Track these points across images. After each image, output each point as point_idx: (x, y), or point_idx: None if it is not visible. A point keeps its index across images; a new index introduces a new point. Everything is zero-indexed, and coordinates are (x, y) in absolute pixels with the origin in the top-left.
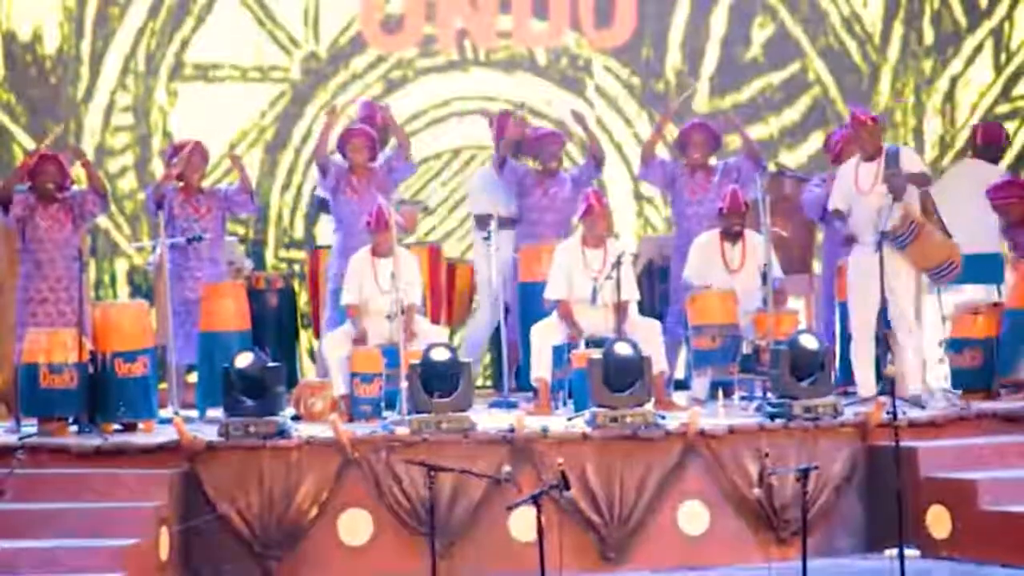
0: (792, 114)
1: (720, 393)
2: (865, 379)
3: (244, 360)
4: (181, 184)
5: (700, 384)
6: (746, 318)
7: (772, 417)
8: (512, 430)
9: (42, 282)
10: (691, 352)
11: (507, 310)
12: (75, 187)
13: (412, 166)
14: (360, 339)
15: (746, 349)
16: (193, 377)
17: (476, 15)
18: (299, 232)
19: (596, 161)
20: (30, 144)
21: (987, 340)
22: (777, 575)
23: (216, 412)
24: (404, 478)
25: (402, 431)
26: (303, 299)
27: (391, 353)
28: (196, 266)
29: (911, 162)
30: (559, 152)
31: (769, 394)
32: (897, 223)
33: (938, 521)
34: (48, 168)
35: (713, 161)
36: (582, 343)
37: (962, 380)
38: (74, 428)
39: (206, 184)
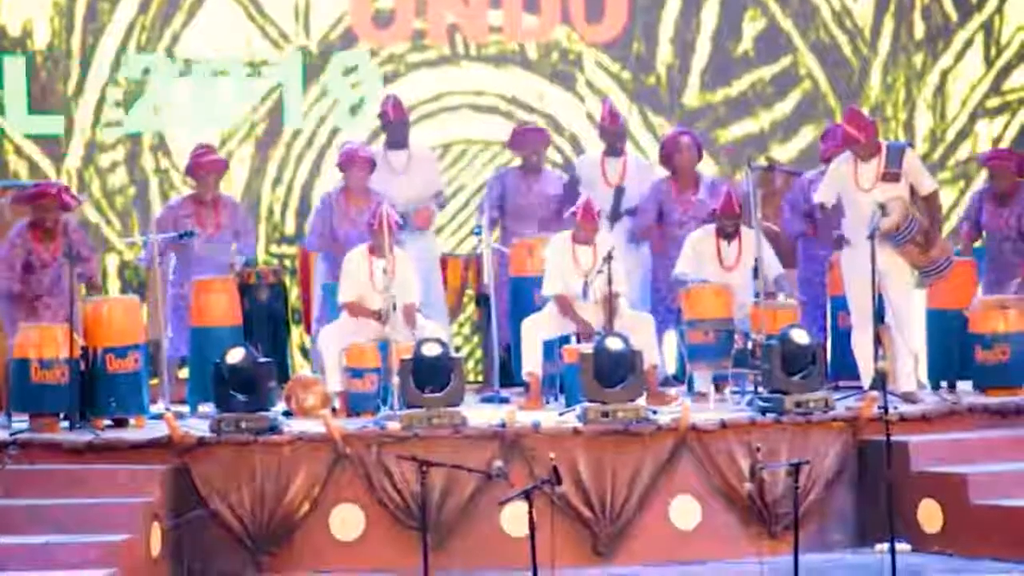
0: (783, 108)
1: (712, 387)
2: (868, 369)
3: (235, 356)
4: (194, 191)
5: (703, 378)
6: (742, 312)
7: (763, 412)
8: (503, 425)
9: (38, 285)
10: (686, 346)
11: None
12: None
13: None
14: (382, 319)
15: (743, 343)
16: (184, 373)
17: (467, 10)
18: (290, 228)
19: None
20: (21, 140)
21: (1017, 335)
22: (768, 569)
23: (207, 407)
24: (396, 473)
25: (393, 426)
26: (294, 294)
27: (384, 349)
28: (199, 269)
29: (913, 166)
30: (543, 149)
31: (760, 388)
32: (899, 220)
33: (929, 515)
34: (47, 204)
35: (700, 166)
36: (573, 338)
37: (989, 376)
38: (65, 424)
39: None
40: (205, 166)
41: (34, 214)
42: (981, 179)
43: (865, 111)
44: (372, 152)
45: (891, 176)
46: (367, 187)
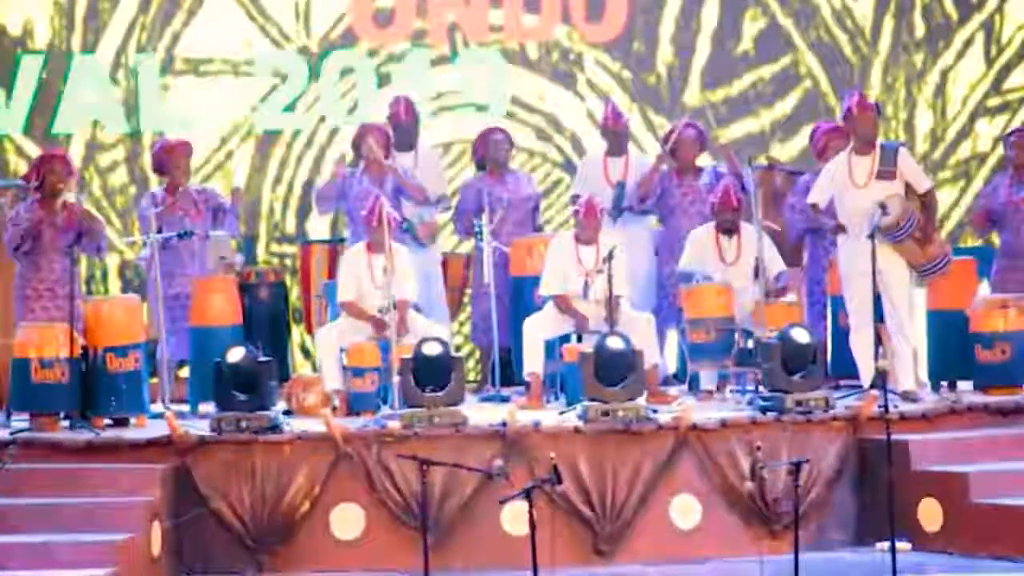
0: (783, 107)
1: (715, 385)
2: (867, 368)
3: (236, 355)
4: (167, 183)
5: (707, 376)
6: (743, 310)
7: (764, 411)
8: (504, 424)
9: (39, 284)
10: (687, 345)
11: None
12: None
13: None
14: (379, 326)
15: (744, 343)
16: (185, 372)
17: (467, 9)
18: (290, 227)
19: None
20: (21, 139)
21: (1017, 334)
22: (769, 568)
23: (208, 407)
24: (396, 472)
25: (394, 425)
26: (294, 294)
27: (384, 348)
28: (188, 262)
29: (907, 166)
30: (509, 147)
31: (761, 387)
32: (898, 216)
33: (929, 514)
34: (56, 167)
35: (702, 162)
36: (574, 337)
37: (990, 375)
38: (66, 423)
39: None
40: (176, 148)
41: (44, 179)
42: (981, 178)
43: None
44: (384, 126)
45: (886, 174)
46: (381, 159)
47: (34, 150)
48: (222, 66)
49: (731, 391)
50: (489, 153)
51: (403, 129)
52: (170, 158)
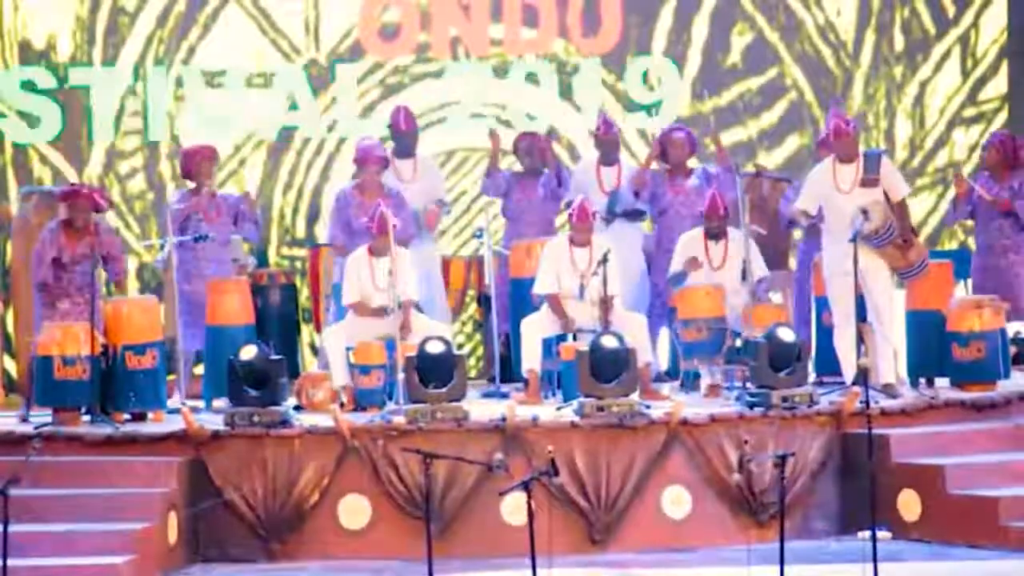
0: (770, 117)
1: (719, 378)
2: (849, 365)
3: (248, 353)
4: (192, 188)
5: (709, 372)
6: (732, 311)
7: (751, 406)
8: (504, 419)
9: (69, 284)
10: (680, 344)
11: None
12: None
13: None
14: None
15: (733, 341)
16: (200, 369)
17: (469, 23)
18: (300, 231)
19: (559, 180)
20: (46, 149)
21: (991, 333)
22: (756, 556)
23: (221, 402)
24: (401, 465)
25: (399, 420)
26: (304, 295)
27: (390, 346)
28: (204, 265)
29: (889, 172)
30: (545, 152)
31: (748, 384)
32: (879, 224)
33: (908, 504)
34: (80, 204)
35: (692, 163)
36: (571, 336)
37: (965, 372)
38: (87, 418)
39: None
40: (200, 153)
41: (67, 213)
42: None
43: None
44: (386, 151)
45: (870, 182)
46: (380, 183)
47: (58, 159)
48: (235, 78)
49: (721, 387)
50: (522, 156)
51: (403, 137)
52: (195, 162)
